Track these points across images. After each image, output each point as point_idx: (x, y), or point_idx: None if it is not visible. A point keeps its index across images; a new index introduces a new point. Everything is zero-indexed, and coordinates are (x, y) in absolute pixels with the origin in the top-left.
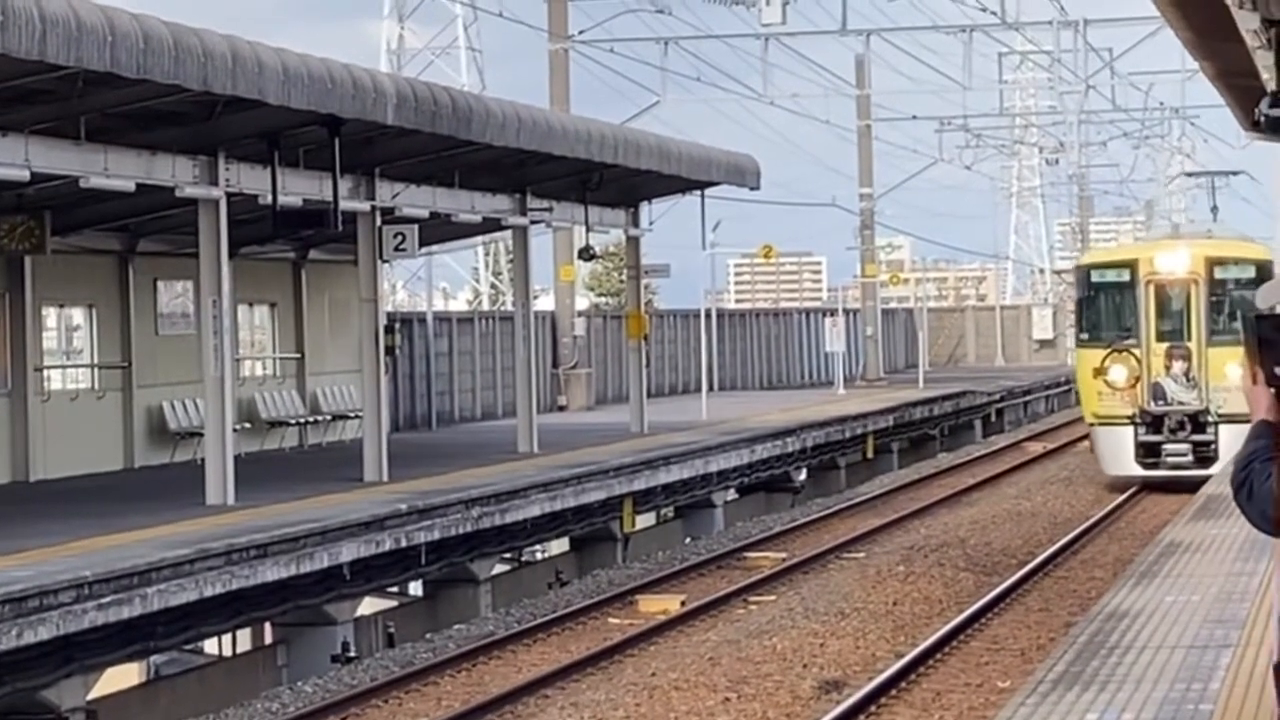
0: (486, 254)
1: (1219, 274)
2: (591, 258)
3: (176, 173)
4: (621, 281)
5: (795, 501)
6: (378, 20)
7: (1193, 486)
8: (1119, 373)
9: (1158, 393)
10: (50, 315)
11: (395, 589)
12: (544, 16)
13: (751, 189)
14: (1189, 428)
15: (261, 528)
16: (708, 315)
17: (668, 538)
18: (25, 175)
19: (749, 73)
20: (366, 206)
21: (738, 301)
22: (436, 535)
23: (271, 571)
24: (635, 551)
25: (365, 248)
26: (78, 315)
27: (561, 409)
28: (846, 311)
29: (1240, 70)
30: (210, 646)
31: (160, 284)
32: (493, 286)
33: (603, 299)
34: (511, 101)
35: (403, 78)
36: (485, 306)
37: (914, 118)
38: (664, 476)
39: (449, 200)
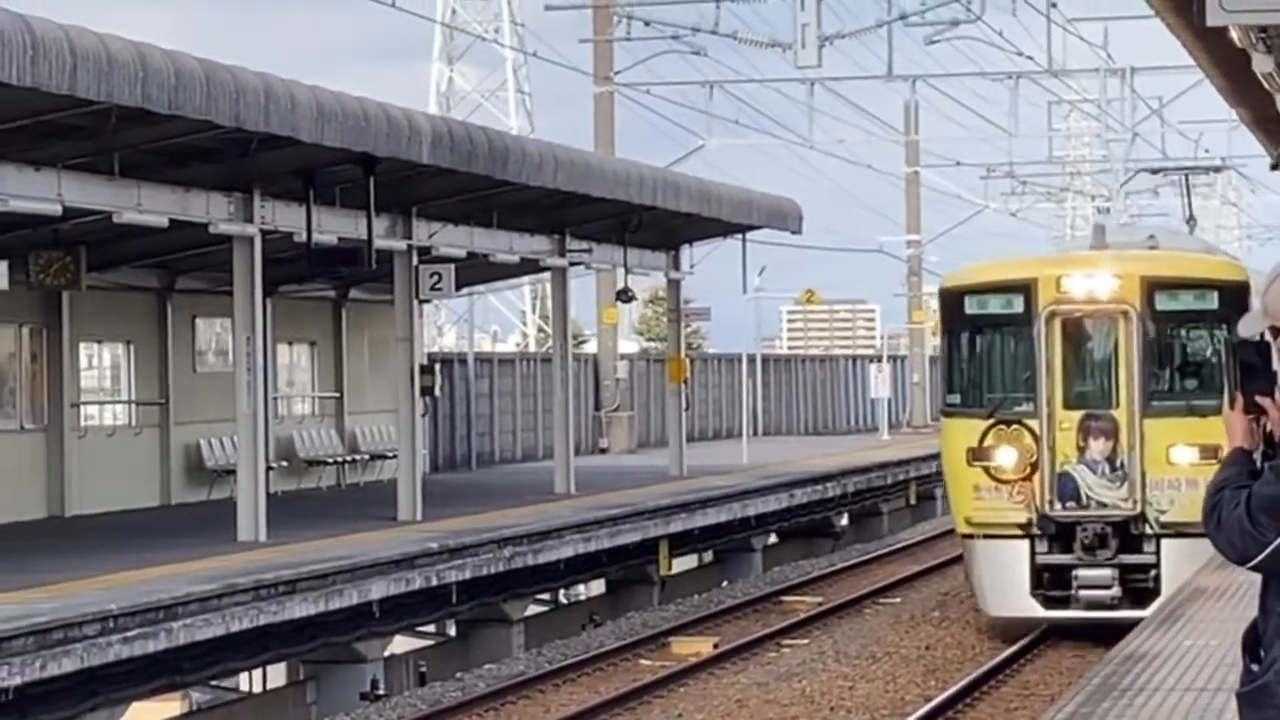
0: (534, 297)
1: (1163, 303)
2: (630, 300)
3: (211, 209)
4: None
5: (835, 547)
6: (429, 63)
7: (1119, 631)
8: (1007, 456)
9: (1067, 489)
10: (91, 351)
11: (430, 628)
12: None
13: (793, 233)
14: (1114, 543)
15: (291, 564)
16: (751, 360)
17: (705, 581)
18: (58, 210)
19: (795, 116)
20: (403, 245)
21: (790, 347)
22: (468, 575)
23: (300, 608)
24: (671, 594)
25: (402, 287)
26: (115, 352)
27: (603, 451)
28: (893, 358)
29: (1273, 115)
30: (244, 683)
31: (199, 321)
32: (540, 329)
33: (652, 343)
34: (549, 142)
35: (439, 117)
36: (532, 349)
37: (958, 164)
38: (701, 519)
39: (487, 240)
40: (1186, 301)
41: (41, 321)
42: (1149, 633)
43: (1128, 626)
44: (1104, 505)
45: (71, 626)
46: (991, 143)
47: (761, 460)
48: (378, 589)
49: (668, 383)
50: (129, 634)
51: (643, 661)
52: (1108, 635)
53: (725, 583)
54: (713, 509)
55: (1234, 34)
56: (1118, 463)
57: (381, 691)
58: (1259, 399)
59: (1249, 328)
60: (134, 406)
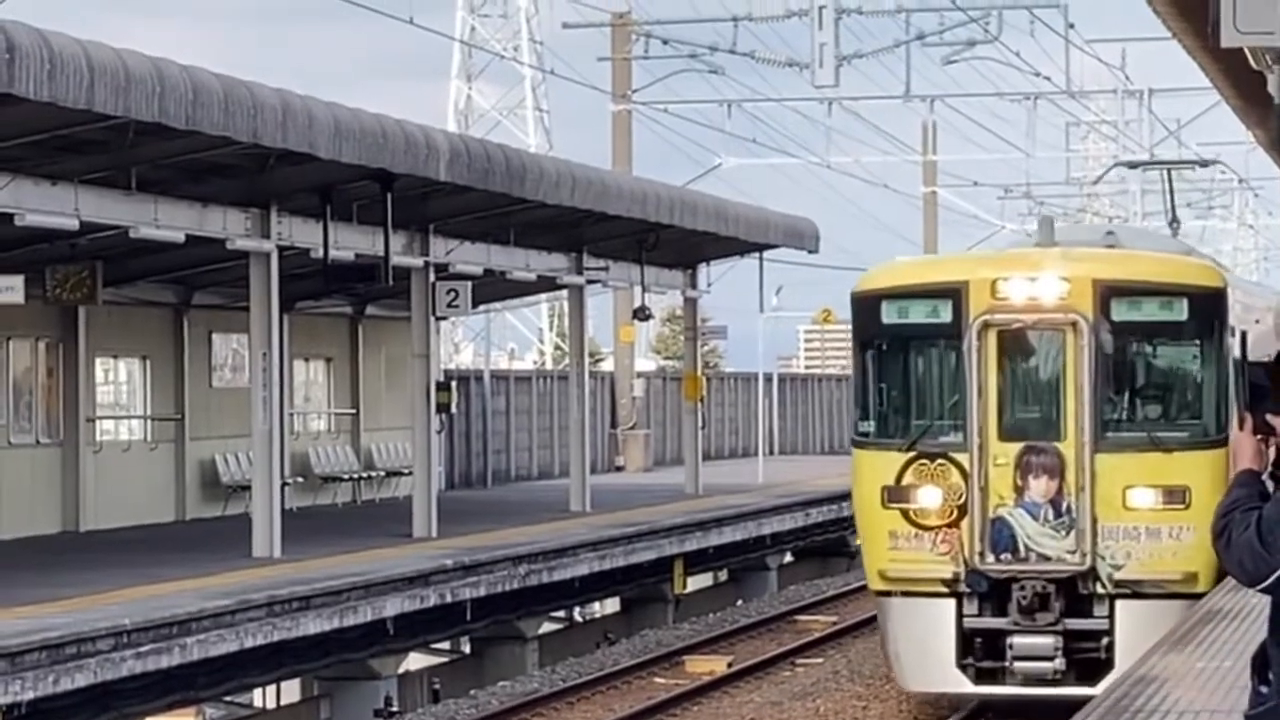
0: (551, 315)
1: (1121, 313)
2: (647, 318)
3: (228, 225)
4: None
5: (850, 566)
6: (448, 80)
7: (1066, 709)
8: (929, 497)
9: (1001, 537)
10: (107, 366)
11: (444, 645)
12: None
13: (810, 252)
14: (1058, 605)
15: (305, 580)
16: (768, 379)
17: (719, 600)
18: (75, 224)
19: (812, 136)
20: (420, 262)
21: (807, 366)
22: (483, 592)
23: (314, 624)
24: (686, 613)
25: (418, 304)
26: (132, 366)
27: (619, 469)
28: None
29: None
30: (258, 699)
31: (215, 337)
32: (557, 347)
33: (669, 362)
34: (567, 160)
35: (456, 134)
36: (549, 366)
37: (976, 184)
38: (716, 538)
39: (504, 258)
40: (1150, 311)
41: (58, 336)
42: (1162, 654)
43: (1074, 706)
44: (1046, 558)
45: (85, 641)
46: (1009, 163)
47: (777, 479)
48: (392, 606)
49: (684, 401)
50: (142, 649)
51: (657, 680)
52: (1054, 714)
53: (740, 601)
54: (728, 528)
55: (1249, 56)
56: (1063, 506)
57: (395, 708)
58: (1269, 419)
59: (1261, 348)
60: (150, 421)
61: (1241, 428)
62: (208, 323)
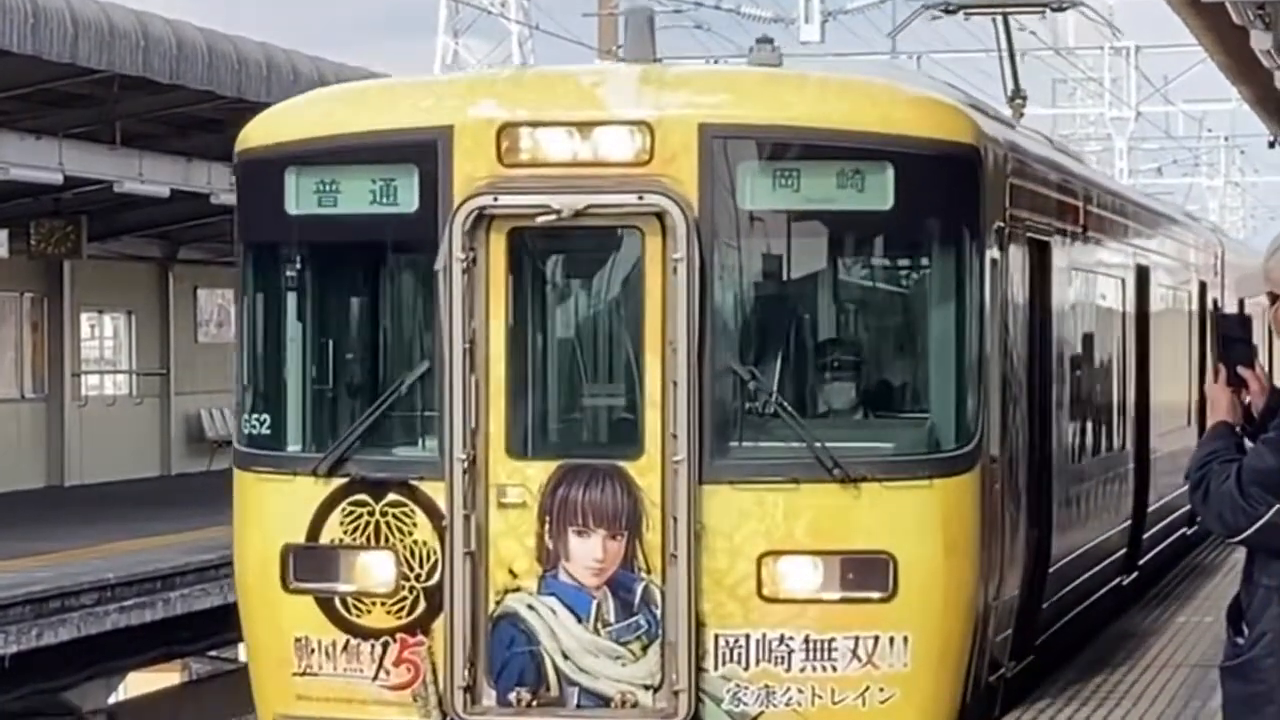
0: None
1: (760, 195)
2: None
3: (212, 180)
4: None
5: None
6: (434, 36)
7: None
8: (375, 569)
9: (512, 655)
10: (93, 321)
11: None
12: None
13: None
14: None
15: None
16: None
17: None
18: (58, 178)
19: None
20: None
21: None
22: None
23: None
24: None
25: None
26: (117, 321)
27: None
28: None
29: (1275, 95)
30: (242, 654)
31: (201, 292)
32: None
33: None
34: None
35: None
36: None
37: None
38: None
39: None
40: (820, 191)
41: (43, 291)
42: (1143, 608)
43: None
44: (602, 699)
45: (68, 595)
46: None
47: None
48: None
49: None
50: (126, 603)
51: None
52: None
53: None
54: None
55: (1230, 10)
56: (637, 593)
57: None
58: (1240, 371)
59: (1245, 288)
60: (135, 376)
61: (1216, 379)
62: (193, 278)
